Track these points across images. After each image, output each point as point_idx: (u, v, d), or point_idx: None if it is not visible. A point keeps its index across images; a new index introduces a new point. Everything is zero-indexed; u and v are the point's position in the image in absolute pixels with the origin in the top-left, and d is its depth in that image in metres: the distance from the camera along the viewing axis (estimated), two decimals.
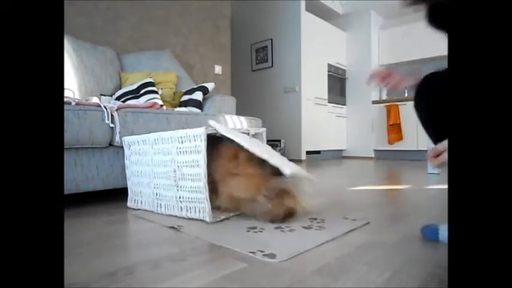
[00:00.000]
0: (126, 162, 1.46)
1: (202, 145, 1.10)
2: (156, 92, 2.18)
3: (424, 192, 1.80)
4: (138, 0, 2.89)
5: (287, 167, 1.03)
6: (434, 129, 0.85)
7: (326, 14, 5.27)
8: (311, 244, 0.89)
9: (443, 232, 0.87)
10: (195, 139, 1.13)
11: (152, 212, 1.32)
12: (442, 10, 0.81)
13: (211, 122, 1.12)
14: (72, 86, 1.96)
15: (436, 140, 0.87)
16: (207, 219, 1.10)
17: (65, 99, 1.41)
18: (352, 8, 5.18)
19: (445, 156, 0.73)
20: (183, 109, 2.07)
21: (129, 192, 1.45)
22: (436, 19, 0.84)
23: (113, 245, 0.92)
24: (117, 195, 1.74)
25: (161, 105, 1.92)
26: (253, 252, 0.82)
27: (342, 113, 5.24)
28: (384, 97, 5.20)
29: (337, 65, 5.16)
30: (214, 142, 1.22)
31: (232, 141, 1.16)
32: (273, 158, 1.08)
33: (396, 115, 4.76)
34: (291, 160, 4.58)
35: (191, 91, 2.32)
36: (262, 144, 1.28)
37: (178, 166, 1.19)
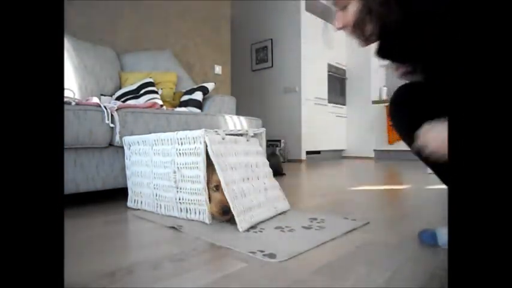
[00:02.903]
0: (127, 162, 1.46)
1: (202, 147, 1.09)
2: (156, 92, 2.18)
3: (424, 192, 1.80)
4: (138, 0, 2.89)
5: (243, 221, 1.02)
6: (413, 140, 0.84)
7: (326, 14, 5.27)
8: (311, 244, 0.89)
9: (442, 236, 0.86)
10: (195, 141, 1.13)
11: (152, 212, 1.32)
12: (391, 44, 0.80)
13: (206, 139, 1.09)
14: (72, 86, 1.96)
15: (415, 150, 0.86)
16: (207, 221, 1.10)
17: (65, 99, 1.41)
18: None
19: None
20: (183, 109, 2.07)
21: (129, 192, 1.45)
22: (386, 52, 0.83)
23: (113, 245, 0.92)
24: (117, 195, 1.74)
25: (161, 105, 1.92)
26: (253, 252, 0.82)
27: (342, 113, 5.23)
28: (384, 97, 5.20)
29: (337, 65, 5.16)
30: None
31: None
32: (241, 199, 1.06)
33: None
34: (290, 161, 4.55)
35: (191, 91, 2.32)
36: (255, 161, 1.26)
37: (178, 168, 1.18)
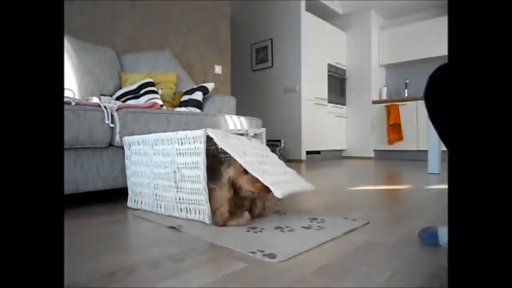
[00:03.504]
0: (127, 162, 1.46)
1: (202, 147, 1.09)
2: (156, 92, 2.18)
3: (424, 192, 1.80)
4: (138, 0, 2.89)
5: (279, 188, 0.99)
6: (443, 123, 0.82)
7: (326, 14, 5.27)
8: (311, 244, 0.89)
9: (443, 236, 0.86)
10: (195, 141, 1.13)
11: (152, 212, 1.32)
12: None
13: (210, 133, 1.08)
14: (72, 86, 1.96)
15: (442, 134, 0.85)
16: (207, 221, 1.10)
17: (65, 99, 1.41)
18: (352, 8, 5.18)
19: None
20: (183, 109, 2.07)
21: (129, 192, 1.45)
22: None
23: (113, 245, 0.92)
24: (117, 195, 1.74)
25: (161, 105, 1.92)
26: (253, 252, 0.82)
27: (342, 113, 5.24)
28: (384, 97, 5.20)
29: (337, 65, 5.16)
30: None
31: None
32: (268, 175, 1.05)
33: (396, 115, 4.76)
34: (290, 161, 4.55)
35: (191, 91, 2.32)
36: (264, 153, 1.24)
37: (178, 167, 1.18)
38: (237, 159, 1.04)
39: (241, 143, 1.18)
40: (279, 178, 1.09)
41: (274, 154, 1.32)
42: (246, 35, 5.01)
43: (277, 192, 0.98)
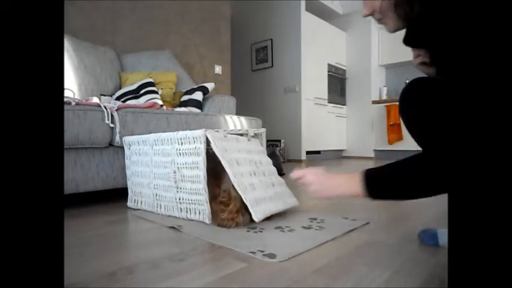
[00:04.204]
0: (127, 162, 1.46)
1: (202, 147, 1.09)
2: (156, 92, 2.18)
3: None
4: (138, 0, 2.89)
5: (257, 211, 1.01)
6: (422, 135, 0.83)
7: (326, 14, 5.27)
8: (311, 244, 0.89)
9: (443, 236, 0.86)
10: (195, 141, 1.13)
11: (152, 212, 1.32)
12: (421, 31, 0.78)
13: (209, 136, 1.08)
14: (72, 86, 1.96)
15: (423, 145, 0.85)
16: (207, 221, 1.10)
17: (65, 99, 1.41)
18: (352, 8, 5.17)
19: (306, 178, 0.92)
20: (183, 109, 2.07)
21: (129, 192, 1.45)
22: (409, 40, 0.82)
23: (113, 245, 0.92)
24: (117, 195, 1.74)
25: (161, 105, 1.92)
26: (253, 252, 0.82)
27: (342, 113, 5.24)
28: (384, 97, 5.20)
29: (337, 65, 5.16)
30: None
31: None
32: (252, 191, 1.06)
33: (396, 115, 4.75)
34: (290, 161, 4.53)
35: (191, 91, 2.31)
36: (259, 159, 1.25)
37: (178, 168, 1.18)
38: (227, 170, 1.05)
39: (237, 148, 1.18)
40: (263, 194, 1.11)
41: (268, 159, 1.32)
42: (246, 35, 5.01)
43: (255, 216, 1.01)
